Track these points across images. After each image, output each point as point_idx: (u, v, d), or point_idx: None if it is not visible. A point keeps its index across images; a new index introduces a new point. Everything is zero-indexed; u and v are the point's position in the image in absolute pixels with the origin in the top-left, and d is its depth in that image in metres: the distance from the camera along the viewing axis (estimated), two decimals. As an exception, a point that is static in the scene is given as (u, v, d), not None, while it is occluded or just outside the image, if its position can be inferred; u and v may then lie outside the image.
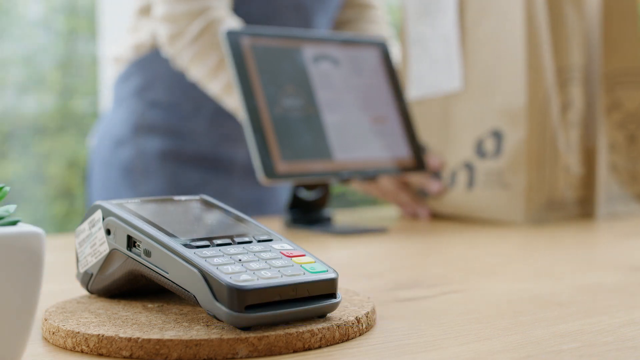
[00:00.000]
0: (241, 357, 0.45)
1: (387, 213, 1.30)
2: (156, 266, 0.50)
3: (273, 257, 0.50)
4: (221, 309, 0.46)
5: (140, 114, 1.32)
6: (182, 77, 1.30)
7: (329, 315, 0.50)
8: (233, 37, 1.04)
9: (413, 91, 1.21)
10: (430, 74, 1.19)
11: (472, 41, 1.15)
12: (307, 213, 1.08)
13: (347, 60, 1.14)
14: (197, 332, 0.46)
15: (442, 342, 0.49)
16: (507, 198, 1.10)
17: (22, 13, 2.44)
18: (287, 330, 0.47)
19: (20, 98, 2.42)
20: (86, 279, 0.57)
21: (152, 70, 1.32)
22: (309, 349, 0.47)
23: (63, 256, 0.82)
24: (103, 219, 0.54)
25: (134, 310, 0.53)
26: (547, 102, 1.10)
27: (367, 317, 0.51)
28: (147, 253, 0.50)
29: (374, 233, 1.02)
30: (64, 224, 2.48)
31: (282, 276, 0.48)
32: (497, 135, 1.11)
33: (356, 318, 0.50)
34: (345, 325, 0.49)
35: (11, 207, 0.42)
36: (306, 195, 1.08)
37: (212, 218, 0.57)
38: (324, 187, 1.09)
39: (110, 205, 0.54)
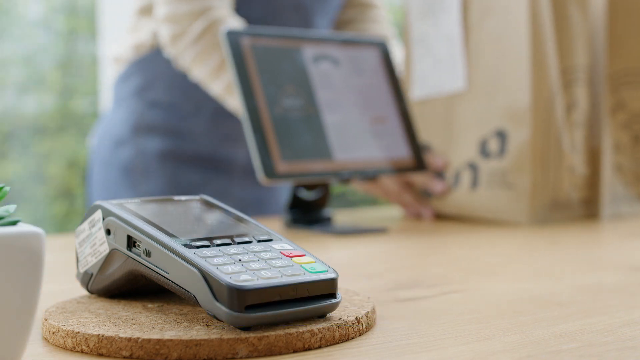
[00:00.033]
0: (241, 357, 0.45)
1: (387, 213, 1.30)
2: (156, 266, 0.50)
3: (273, 257, 0.50)
4: (221, 309, 0.46)
5: (140, 114, 1.32)
6: (182, 77, 1.30)
7: (329, 315, 0.50)
8: (233, 37, 1.04)
9: (416, 91, 1.21)
10: (433, 74, 1.19)
11: (476, 41, 1.14)
12: (307, 213, 1.08)
13: (347, 60, 1.14)
14: (197, 332, 0.46)
15: (442, 342, 0.49)
16: (511, 198, 1.10)
17: (22, 13, 2.44)
18: (287, 330, 0.47)
19: (20, 98, 2.42)
20: (86, 279, 0.57)
21: (152, 70, 1.32)
22: (309, 349, 0.47)
23: (63, 256, 0.82)
24: (103, 219, 0.54)
25: (134, 310, 0.53)
26: (552, 102, 1.09)
27: (367, 317, 0.51)
28: (147, 253, 0.50)
29: (374, 233, 1.02)
30: (64, 224, 2.48)
31: (282, 276, 0.48)
32: (501, 135, 1.11)
33: (356, 318, 0.50)
34: (345, 325, 0.49)
35: (11, 207, 0.42)
36: (306, 195, 1.08)
37: (212, 218, 0.57)
38: (324, 187, 1.09)
39: (110, 205, 0.54)
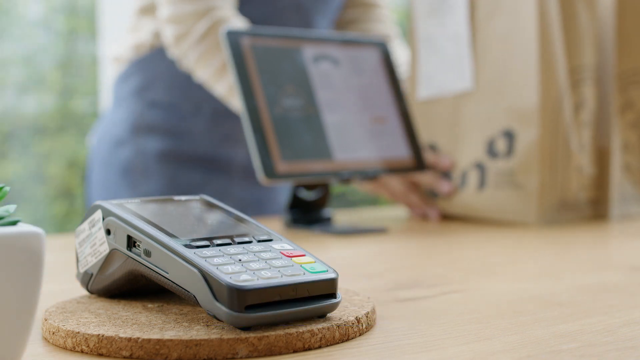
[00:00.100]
0: (241, 357, 0.45)
1: (388, 213, 1.30)
2: (156, 266, 0.50)
3: (273, 257, 0.50)
4: (221, 309, 0.46)
5: (139, 113, 1.32)
6: (182, 77, 1.30)
7: (329, 315, 0.50)
8: (233, 37, 1.04)
9: (423, 91, 1.20)
10: (440, 74, 1.18)
11: (484, 40, 1.13)
12: (307, 213, 1.08)
13: (347, 60, 1.14)
14: (197, 332, 0.46)
15: (442, 342, 0.49)
16: (518, 199, 1.09)
17: (22, 13, 2.44)
18: (287, 330, 0.47)
19: (20, 98, 2.42)
20: (86, 279, 0.57)
21: (152, 70, 1.32)
22: (309, 349, 0.47)
23: (63, 256, 0.82)
24: (103, 219, 0.54)
25: (134, 310, 0.53)
26: (560, 102, 1.09)
27: (367, 317, 0.51)
28: (147, 253, 0.50)
29: (374, 233, 1.02)
30: (64, 224, 2.48)
31: (282, 276, 0.48)
32: (509, 135, 1.10)
33: (356, 318, 0.50)
34: (345, 325, 0.49)
35: (11, 207, 0.42)
36: (306, 195, 1.08)
37: (212, 218, 0.57)
38: (324, 187, 1.09)
39: (110, 205, 0.54)
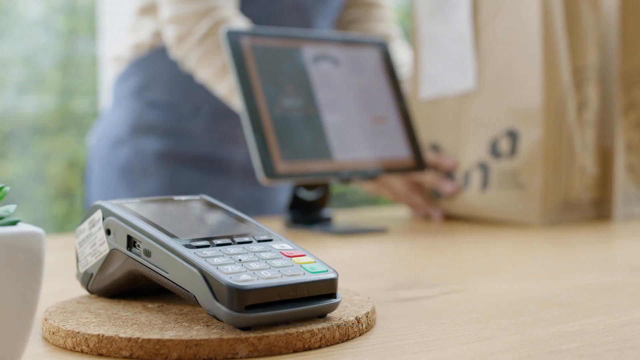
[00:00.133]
0: (241, 357, 0.45)
1: (388, 213, 1.30)
2: (156, 266, 0.50)
3: (273, 257, 0.50)
4: (221, 309, 0.46)
5: (139, 113, 1.32)
6: (182, 78, 1.29)
7: (329, 315, 0.50)
8: (233, 37, 1.04)
9: (425, 90, 1.19)
10: (443, 73, 1.18)
11: (487, 40, 1.13)
12: (307, 213, 1.08)
13: (347, 60, 1.14)
14: (197, 332, 0.46)
15: (442, 342, 0.49)
16: (522, 199, 1.09)
17: (22, 13, 2.44)
18: (287, 330, 0.47)
19: (20, 98, 2.42)
20: (86, 279, 0.57)
21: (152, 70, 1.32)
22: (309, 349, 0.47)
23: (63, 256, 0.82)
24: (103, 219, 0.54)
25: (134, 310, 0.53)
26: (564, 102, 1.08)
27: (367, 317, 0.51)
28: (147, 253, 0.50)
29: (374, 233, 1.02)
30: (64, 224, 2.48)
31: (282, 276, 0.48)
32: (512, 135, 1.10)
33: (356, 318, 0.50)
34: (345, 325, 0.49)
35: (11, 207, 0.42)
36: (306, 195, 1.08)
37: (212, 218, 0.57)
38: (324, 187, 1.09)
39: (110, 205, 0.54)
